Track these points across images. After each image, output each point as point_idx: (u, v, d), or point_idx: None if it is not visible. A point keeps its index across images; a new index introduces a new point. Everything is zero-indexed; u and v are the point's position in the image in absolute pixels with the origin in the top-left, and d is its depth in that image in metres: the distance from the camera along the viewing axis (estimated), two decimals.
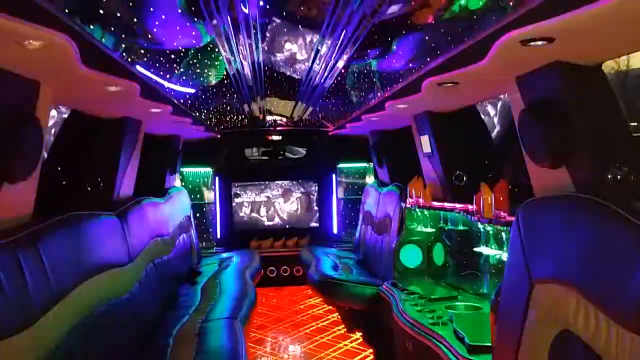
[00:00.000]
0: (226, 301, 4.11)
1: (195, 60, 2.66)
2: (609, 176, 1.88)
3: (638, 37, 1.61)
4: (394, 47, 2.31)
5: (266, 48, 2.52)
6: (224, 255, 6.26)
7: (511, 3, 1.52)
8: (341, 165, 7.09)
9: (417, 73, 2.49)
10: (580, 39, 1.63)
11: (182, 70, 2.73)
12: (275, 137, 6.76)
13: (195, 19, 2.02)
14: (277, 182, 7.03)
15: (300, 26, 2.25)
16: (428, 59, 2.25)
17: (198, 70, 2.88)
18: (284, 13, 2.11)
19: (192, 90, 3.36)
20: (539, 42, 1.65)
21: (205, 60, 2.72)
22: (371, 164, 6.45)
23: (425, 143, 3.60)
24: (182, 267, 4.95)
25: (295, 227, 7.02)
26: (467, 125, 3.45)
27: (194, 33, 2.22)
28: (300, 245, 6.69)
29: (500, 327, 2.15)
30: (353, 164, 7.10)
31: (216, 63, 2.79)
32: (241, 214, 7.05)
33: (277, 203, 7.10)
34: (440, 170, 3.49)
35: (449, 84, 2.48)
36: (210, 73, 3.01)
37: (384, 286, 3.94)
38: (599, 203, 1.71)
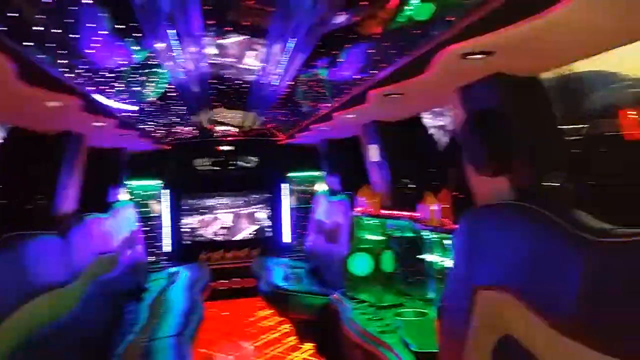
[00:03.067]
0: (173, 318, 4.00)
1: (133, 77, 2.60)
2: (547, 183, 1.96)
3: (573, 50, 1.68)
4: (343, 57, 2.33)
5: (211, 59, 2.49)
6: (173, 269, 6.11)
7: (453, 19, 1.56)
8: (293, 174, 7.08)
9: (364, 84, 2.52)
10: (518, 52, 1.69)
11: (121, 88, 2.66)
12: (226, 148, 6.69)
13: (126, 38, 1.98)
14: (227, 192, 6.94)
15: (246, 35, 2.23)
16: (374, 71, 2.28)
17: (138, 87, 2.82)
18: (228, 23, 2.09)
19: (135, 108, 3.27)
20: (479, 56, 1.71)
21: (145, 76, 2.66)
22: (323, 172, 6.48)
23: (373, 152, 3.64)
24: (128, 283, 4.79)
25: (247, 237, 6.95)
26: (414, 133, 3.52)
27: (126, 52, 2.17)
28: (252, 257, 6.61)
29: (444, 333, 2.19)
30: (305, 172, 7.10)
31: (157, 78, 2.74)
32: (190, 227, 6.91)
33: (228, 214, 7.00)
34: (388, 178, 3.54)
35: (395, 95, 2.52)
36: (150, 88, 2.94)
37: (334, 295, 3.95)
38: (535, 210, 1.77)
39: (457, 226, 2.27)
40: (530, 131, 1.93)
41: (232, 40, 2.20)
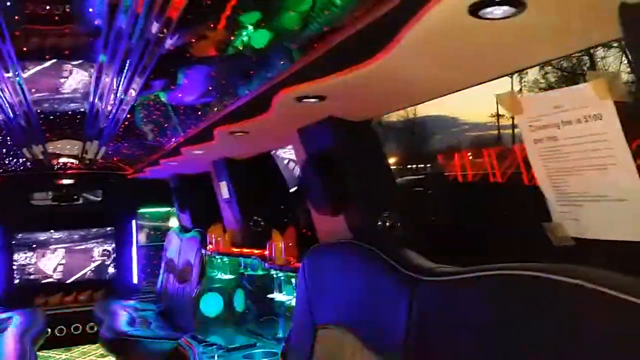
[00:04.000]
0: None
1: None
2: (379, 223, 2.05)
3: (399, 97, 1.80)
4: (181, 79, 2.24)
5: (28, 90, 2.26)
6: (3, 316, 5.36)
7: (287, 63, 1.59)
8: (143, 210, 6.69)
9: (209, 120, 2.47)
10: (348, 97, 1.77)
11: None
12: (66, 181, 6.12)
13: None
14: (67, 230, 6.33)
15: (52, 59, 2.03)
16: (216, 109, 2.25)
17: None
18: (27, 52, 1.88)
19: None
20: (312, 100, 1.76)
21: None
22: (175, 208, 6.22)
23: (223, 189, 3.58)
24: None
25: (89, 279, 6.36)
26: (265, 171, 3.54)
27: None
28: (95, 299, 6.06)
29: None
30: (157, 208, 6.75)
31: None
32: (24, 267, 6.16)
33: (68, 253, 6.38)
34: (239, 215, 3.49)
35: (240, 133, 2.50)
36: None
37: (182, 339, 3.75)
38: (368, 249, 1.84)
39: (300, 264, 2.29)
40: (362, 173, 2.02)
41: (39, 67, 2.01)
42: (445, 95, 1.67)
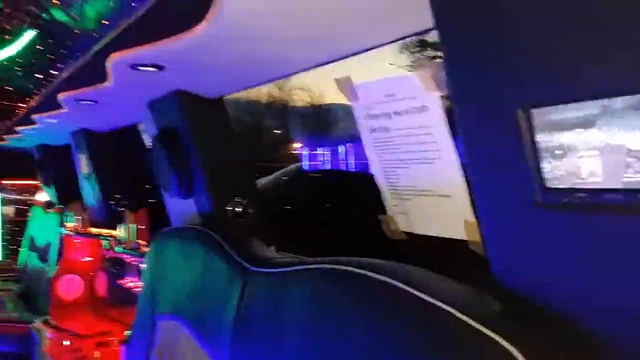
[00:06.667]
0: None
1: None
2: (229, 208, 1.93)
3: (245, 73, 1.66)
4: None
5: None
6: None
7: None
8: (6, 181, 6.07)
9: (50, 87, 2.20)
10: (189, 70, 1.61)
11: None
12: None
13: None
14: None
15: None
16: (53, 71, 2.00)
17: None
18: None
19: None
20: (150, 69, 1.58)
21: None
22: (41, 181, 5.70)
23: (83, 163, 3.28)
24: None
25: None
26: (129, 146, 3.27)
27: None
28: None
29: None
30: (23, 181, 6.15)
31: None
32: None
33: None
34: (99, 193, 3.22)
35: (88, 102, 2.26)
36: None
37: (33, 324, 3.46)
38: (209, 236, 1.71)
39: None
40: (211, 154, 1.88)
41: None
42: (284, 76, 1.58)
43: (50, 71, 1.97)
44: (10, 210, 6.18)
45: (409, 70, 1.16)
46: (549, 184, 0.75)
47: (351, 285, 1.11)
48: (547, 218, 0.79)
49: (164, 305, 1.89)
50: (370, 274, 1.04)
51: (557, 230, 0.78)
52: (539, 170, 0.75)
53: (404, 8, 0.98)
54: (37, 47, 1.81)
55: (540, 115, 0.73)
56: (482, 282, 1.00)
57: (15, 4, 1.43)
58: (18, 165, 5.80)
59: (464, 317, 0.85)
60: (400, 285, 0.98)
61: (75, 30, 1.54)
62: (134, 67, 1.57)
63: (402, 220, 1.36)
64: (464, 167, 1.05)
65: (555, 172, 0.74)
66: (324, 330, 1.17)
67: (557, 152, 0.73)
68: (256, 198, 1.97)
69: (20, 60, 2.08)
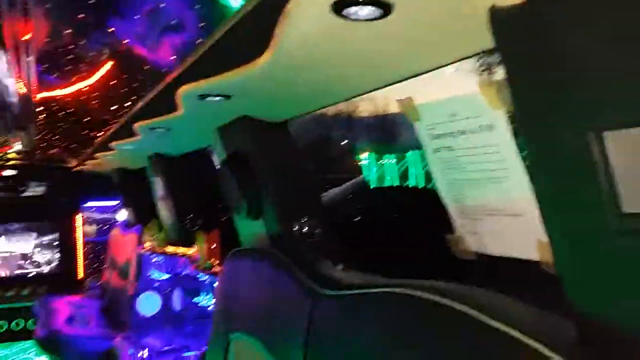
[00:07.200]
0: None
1: None
2: (296, 229, 1.96)
3: (305, 98, 1.70)
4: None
5: None
6: None
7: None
8: (90, 203, 6.47)
9: (126, 116, 2.34)
10: (254, 97, 1.66)
11: None
12: (8, 173, 5.87)
13: None
14: (9, 223, 6.07)
15: None
16: (132, 105, 2.12)
17: None
18: None
19: None
20: (216, 98, 1.65)
21: None
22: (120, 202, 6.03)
23: (158, 185, 3.44)
24: None
25: (32, 273, 6.12)
26: (201, 169, 3.41)
27: None
28: (38, 294, 5.84)
29: None
30: (104, 202, 6.53)
31: None
32: None
33: (9, 246, 6.12)
34: (174, 213, 3.36)
35: (161, 129, 2.37)
36: None
37: (116, 340, 3.63)
38: (278, 257, 1.75)
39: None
40: (278, 176, 1.92)
41: None
42: (346, 99, 1.59)
43: (125, 104, 2.10)
44: (91, 229, 6.56)
45: (473, 89, 1.14)
46: (626, 209, 0.71)
47: (427, 315, 1.09)
48: (624, 242, 0.75)
49: (237, 323, 1.95)
50: (449, 302, 1.02)
51: (635, 256, 0.74)
52: (614, 194, 0.72)
53: (464, 29, 0.97)
54: (113, 79, 1.93)
55: (615, 138, 0.70)
56: (557, 303, 0.96)
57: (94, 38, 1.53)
58: (98, 188, 6.18)
59: (537, 345, 0.83)
60: (476, 314, 0.96)
61: (146, 67, 1.64)
62: (202, 97, 1.64)
63: (472, 240, 1.33)
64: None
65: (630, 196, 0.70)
66: (397, 355, 1.16)
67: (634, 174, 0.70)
68: (323, 217, 1.99)
69: (98, 93, 2.23)
